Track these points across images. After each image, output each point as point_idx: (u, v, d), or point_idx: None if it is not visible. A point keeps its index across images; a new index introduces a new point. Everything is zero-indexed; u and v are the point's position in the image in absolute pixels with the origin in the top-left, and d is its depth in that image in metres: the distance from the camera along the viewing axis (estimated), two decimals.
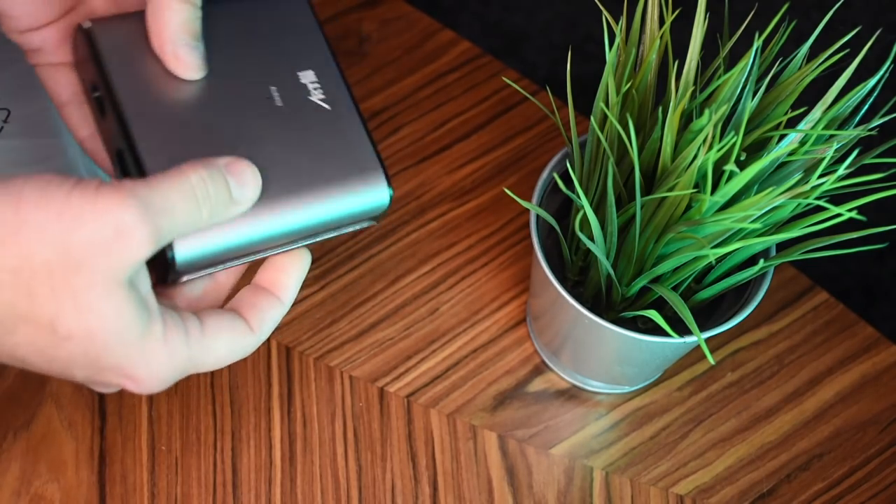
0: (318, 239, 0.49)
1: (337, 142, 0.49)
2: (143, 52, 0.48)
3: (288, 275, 0.50)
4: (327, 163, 0.49)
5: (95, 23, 0.48)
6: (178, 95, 0.48)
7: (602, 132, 0.53)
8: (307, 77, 0.50)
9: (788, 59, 0.53)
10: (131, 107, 0.47)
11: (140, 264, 0.42)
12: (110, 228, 0.40)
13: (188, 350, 0.45)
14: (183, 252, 0.45)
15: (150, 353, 0.43)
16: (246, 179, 0.45)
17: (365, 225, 0.50)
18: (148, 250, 0.41)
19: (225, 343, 0.47)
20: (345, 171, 0.49)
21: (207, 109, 0.48)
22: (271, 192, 0.46)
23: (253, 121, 0.48)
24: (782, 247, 0.57)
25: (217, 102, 0.48)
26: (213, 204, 0.44)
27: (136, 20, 0.48)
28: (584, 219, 0.54)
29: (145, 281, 0.43)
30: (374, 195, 0.49)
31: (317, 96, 0.50)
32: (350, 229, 0.50)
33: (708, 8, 0.51)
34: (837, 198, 0.51)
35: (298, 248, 0.50)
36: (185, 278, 0.46)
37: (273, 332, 0.64)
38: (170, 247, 0.44)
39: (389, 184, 0.49)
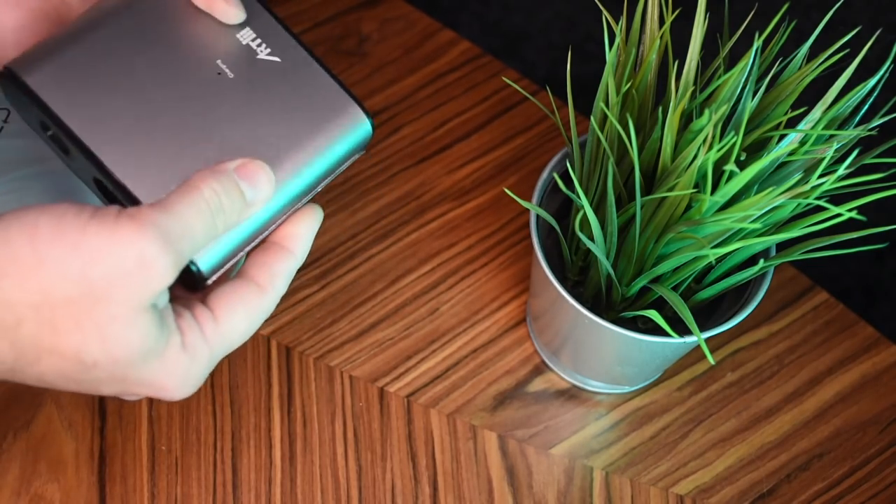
0: (318, 189, 0.49)
1: (303, 91, 0.48)
2: (77, 76, 0.45)
3: (298, 226, 0.49)
4: (303, 116, 0.48)
5: (16, 63, 0.45)
6: (131, 108, 0.46)
7: (602, 132, 0.53)
8: (247, 36, 0.48)
9: (788, 59, 0.53)
10: (91, 136, 0.45)
11: (164, 291, 0.42)
12: (132, 261, 0.40)
13: (208, 347, 0.45)
14: (206, 262, 0.45)
15: (174, 365, 0.44)
16: (259, 181, 0.45)
17: (356, 157, 0.50)
18: (171, 278, 0.42)
19: (242, 318, 0.46)
20: (322, 118, 0.48)
21: (165, 110, 0.46)
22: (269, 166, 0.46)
23: (215, 104, 0.47)
24: (782, 247, 0.57)
25: (171, 100, 0.46)
26: (228, 214, 0.44)
27: (54, 45, 0.46)
28: (584, 219, 0.54)
29: (164, 298, 0.43)
30: (356, 129, 0.49)
31: (264, 53, 0.48)
32: (344, 167, 0.50)
33: (708, 8, 0.51)
34: (837, 198, 0.51)
35: (305, 204, 0.49)
36: (211, 280, 0.46)
37: (273, 333, 0.65)
38: (192, 262, 0.44)
39: (367, 112, 0.49)
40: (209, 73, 0.47)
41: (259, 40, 0.49)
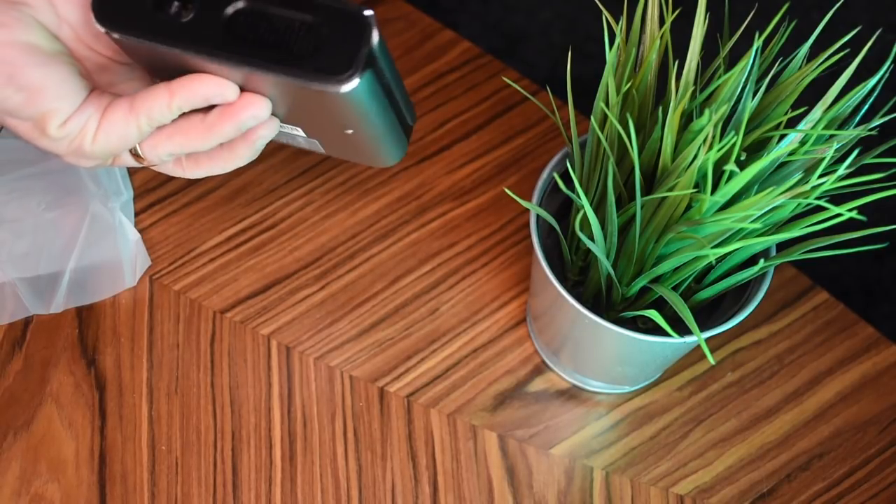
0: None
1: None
2: None
3: (210, 88, 0.51)
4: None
5: None
6: None
7: (602, 132, 0.53)
8: None
9: (788, 59, 0.53)
10: None
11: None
12: None
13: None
14: None
15: None
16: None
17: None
18: None
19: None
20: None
21: None
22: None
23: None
24: (782, 247, 0.57)
25: None
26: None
27: None
28: (584, 219, 0.54)
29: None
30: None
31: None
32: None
33: (708, 8, 0.51)
34: (837, 198, 0.51)
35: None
36: None
37: (273, 333, 0.65)
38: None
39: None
40: None
41: None
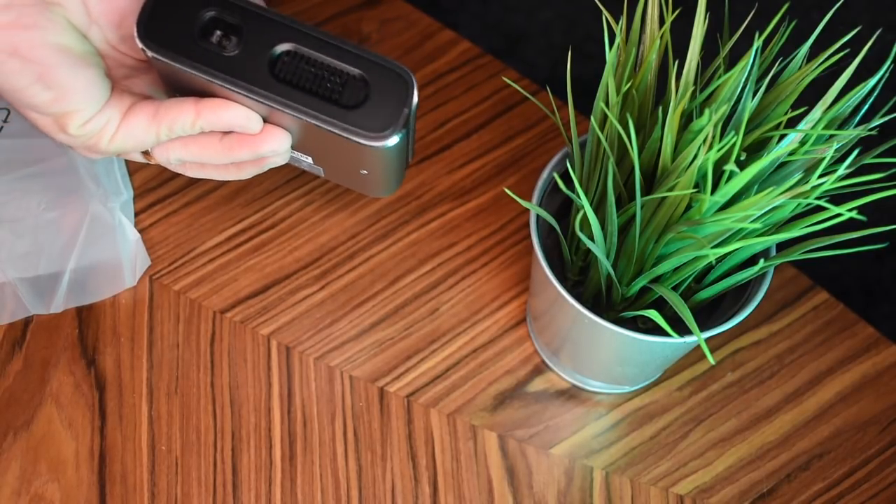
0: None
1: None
2: None
3: (237, 118, 0.52)
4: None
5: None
6: None
7: (602, 132, 0.53)
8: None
9: (788, 59, 0.53)
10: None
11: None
12: None
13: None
14: None
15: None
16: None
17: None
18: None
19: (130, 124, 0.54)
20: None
21: None
22: None
23: None
24: (782, 247, 0.57)
25: None
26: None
27: None
28: (584, 219, 0.54)
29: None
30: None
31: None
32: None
33: (708, 8, 0.51)
34: (837, 198, 0.51)
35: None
36: None
37: (273, 333, 0.65)
38: None
39: None
40: None
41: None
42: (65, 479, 0.59)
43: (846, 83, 0.51)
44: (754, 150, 0.53)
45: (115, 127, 0.52)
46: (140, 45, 0.49)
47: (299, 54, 0.50)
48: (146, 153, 0.55)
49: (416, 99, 0.50)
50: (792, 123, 0.53)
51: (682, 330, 0.54)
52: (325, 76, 0.50)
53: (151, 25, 0.49)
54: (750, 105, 0.52)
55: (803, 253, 0.54)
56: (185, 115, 0.52)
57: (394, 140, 0.50)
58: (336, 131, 0.50)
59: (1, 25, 0.48)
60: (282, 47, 0.50)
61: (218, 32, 0.50)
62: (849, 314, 0.68)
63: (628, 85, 0.52)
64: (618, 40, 0.53)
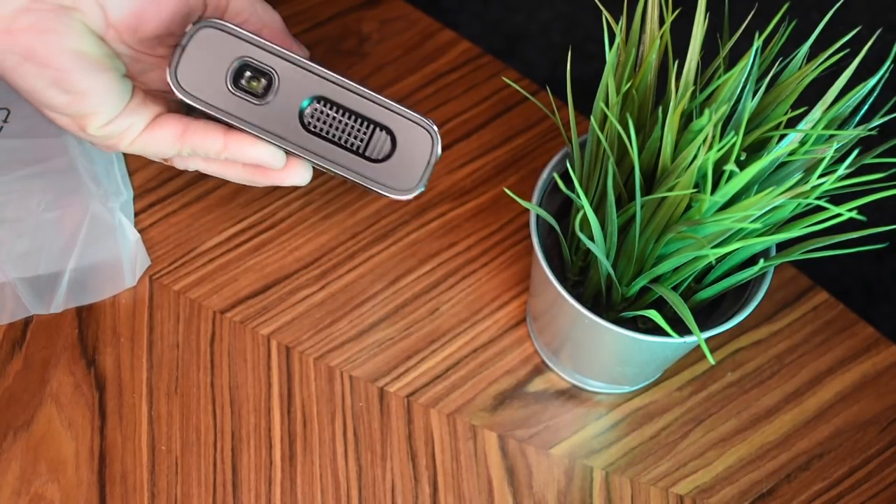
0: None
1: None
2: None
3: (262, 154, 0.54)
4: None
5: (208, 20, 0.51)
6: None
7: (602, 132, 0.53)
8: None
9: (788, 59, 0.53)
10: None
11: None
12: None
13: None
14: None
15: None
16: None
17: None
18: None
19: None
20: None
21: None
22: None
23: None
24: (782, 247, 0.57)
25: None
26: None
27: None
28: (584, 219, 0.54)
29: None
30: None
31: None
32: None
33: (708, 8, 0.51)
34: (837, 198, 0.51)
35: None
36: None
37: (273, 333, 0.65)
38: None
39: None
40: None
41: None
42: (65, 479, 0.59)
43: (846, 83, 0.51)
44: (754, 150, 0.53)
45: (138, 132, 0.53)
46: (172, 88, 0.51)
47: (328, 104, 0.51)
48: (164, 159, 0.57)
49: (439, 151, 0.52)
50: (792, 123, 0.53)
51: (682, 330, 0.54)
52: (353, 128, 0.52)
53: (184, 70, 0.51)
54: (750, 105, 0.52)
55: (803, 253, 0.54)
56: (213, 143, 0.53)
57: (417, 192, 0.53)
58: (362, 183, 0.53)
59: (18, 30, 0.48)
60: (311, 97, 0.51)
61: (249, 79, 0.51)
62: (849, 314, 0.68)
63: (628, 85, 0.52)
64: (618, 40, 0.53)
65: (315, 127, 0.52)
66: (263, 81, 0.51)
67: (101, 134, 0.53)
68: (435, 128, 0.52)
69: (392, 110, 0.52)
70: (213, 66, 0.51)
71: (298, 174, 0.55)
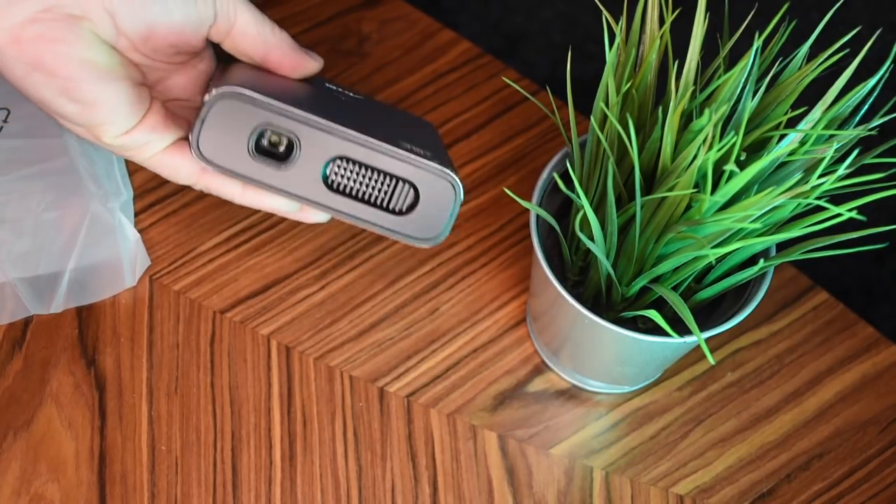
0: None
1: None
2: (271, 92, 0.52)
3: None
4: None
5: (228, 86, 0.50)
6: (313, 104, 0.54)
7: (602, 132, 0.53)
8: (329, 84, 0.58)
9: (788, 59, 0.53)
10: (323, 116, 0.52)
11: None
12: None
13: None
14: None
15: None
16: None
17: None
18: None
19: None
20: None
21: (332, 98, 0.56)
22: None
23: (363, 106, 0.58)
24: (782, 247, 0.57)
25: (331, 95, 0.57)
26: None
27: (234, 76, 0.52)
28: (584, 219, 0.54)
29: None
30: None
31: (350, 94, 0.59)
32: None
33: (708, 8, 0.51)
34: (837, 198, 0.51)
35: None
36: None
37: (273, 333, 0.65)
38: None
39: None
40: (340, 96, 0.57)
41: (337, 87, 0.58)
42: (65, 479, 0.59)
43: (846, 83, 0.51)
44: (754, 150, 0.53)
45: (155, 152, 0.54)
46: (195, 157, 0.51)
47: (350, 162, 0.52)
48: None
49: (461, 199, 0.53)
50: (792, 123, 0.53)
51: (682, 330, 0.54)
52: (375, 183, 0.52)
53: (205, 140, 0.51)
54: (750, 105, 0.52)
55: (803, 253, 0.54)
56: (231, 190, 0.54)
57: (442, 239, 0.53)
58: (386, 234, 0.53)
59: (26, 39, 0.48)
60: (333, 157, 0.52)
61: (270, 145, 0.51)
62: (849, 314, 0.68)
63: (628, 85, 0.52)
64: (618, 40, 0.53)
65: (338, 185, 0.52)
66: (285, 146, 0.51)
67: (118, 144, 0.52)
68: (457, 177, 0.52)
69: (414, 164, 0.52)
70: (234, 134, 0.51)
71: (315, 218, 0.56)
